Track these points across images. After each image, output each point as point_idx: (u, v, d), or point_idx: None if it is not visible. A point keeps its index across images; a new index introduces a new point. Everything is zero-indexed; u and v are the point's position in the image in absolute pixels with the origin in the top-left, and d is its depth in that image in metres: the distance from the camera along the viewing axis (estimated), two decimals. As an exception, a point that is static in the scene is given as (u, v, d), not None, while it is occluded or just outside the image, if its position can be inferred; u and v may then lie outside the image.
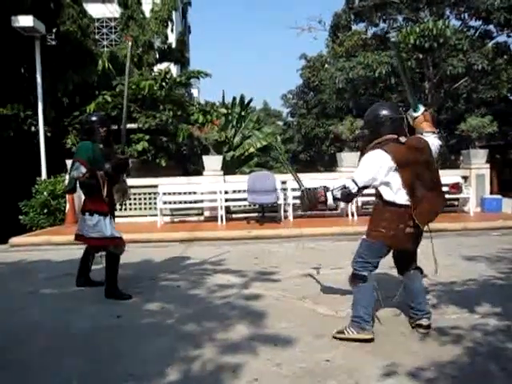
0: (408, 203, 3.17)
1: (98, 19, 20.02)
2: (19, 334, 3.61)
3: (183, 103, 12.82)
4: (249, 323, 3.67)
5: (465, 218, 9.37)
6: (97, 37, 18.90)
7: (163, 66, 15.22)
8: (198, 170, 11.35)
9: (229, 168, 11.17)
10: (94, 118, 4.64)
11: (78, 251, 5.78)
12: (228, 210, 9.86)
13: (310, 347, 3.19)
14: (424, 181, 3.21)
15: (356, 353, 3.07)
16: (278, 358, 3.04)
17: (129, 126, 10.97)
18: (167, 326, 3.72)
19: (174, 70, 18.84)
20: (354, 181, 3.19)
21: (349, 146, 11.17)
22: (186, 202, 9.99)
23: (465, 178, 10.21)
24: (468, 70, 15.12)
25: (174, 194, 9.81)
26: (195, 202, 10.05)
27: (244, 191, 9.40)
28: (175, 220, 9.91)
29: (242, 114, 16.62)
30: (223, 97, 17.21)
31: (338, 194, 3.25)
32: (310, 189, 3.45)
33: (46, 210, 9.64)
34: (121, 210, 10.05)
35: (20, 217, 9.62)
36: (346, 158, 10.57)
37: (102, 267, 4.58)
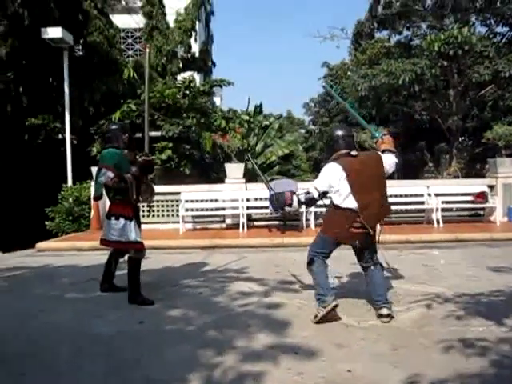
0: (354, 207, 3.72)
1: (124, 29, 20.44)
2: (43, 338, 3.68)
3: (206, 111, 12.95)
4: (270, 332, 3.66)
5: (491, 227, 9.17)
6: (122, 47, 19.29)
7: (186, 74, 15.42)
8: (221, 178, 11.42)
9: (251, 176, 11.21)
10: (115, 126, 4.85)
11: (101, 257, 5.89)
12: (249, 218, 9.89)
13: (331, 357, 3.17)
14: (369, 189, 3.74)
15: (378, 364, 3.03)
16: (299, 367, 3.02)
17: (153, 133, 11.16)
18: (189, 332, 3.74)
19: (198, 78, 19.07)
20: (315, 187, 3.81)
21: (371, 155, 11.09)
22: (207, 210, 10.05)
23: (491, 187, 10.00)
24: (494, 77, 14.86)
25: (197, 201, 9.89)
26: (217, 209, 10.10)
27: (266, 199, 9.39)
28: (197, 227, 9.98)
29: (265, 122, 16.69)
30: (248, 104, 17.29)
31: (303, 198, 3.87)
32: (279, 193, 4.00)
33: (70, 217, 9.85)
34: (143, 216, 10.20)
35: (46, 222, 9.85)
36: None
37: (126, 273, 4.65)
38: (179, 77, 15.63)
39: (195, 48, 18.06)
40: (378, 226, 4.01)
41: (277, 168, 17.59)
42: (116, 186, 4.39)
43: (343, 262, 5.29)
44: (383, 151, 3.96)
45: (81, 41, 12.43)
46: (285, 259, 6.80)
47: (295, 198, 3.87)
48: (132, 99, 11.92)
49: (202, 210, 10.00)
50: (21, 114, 10.84)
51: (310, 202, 3.90)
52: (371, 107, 18.29)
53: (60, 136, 11.78)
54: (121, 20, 18.13)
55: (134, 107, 11.69)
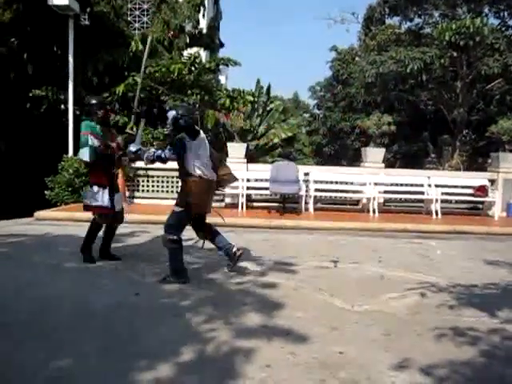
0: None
1: (131, 1, 20.11)
2: (42, 307, 3.72)
3: (211, 88, 12.80)
4: (264, 311, 3.69)
5: (489, 221, 9.19)
6: (129, 19, 19.00)
7: (193, 50, 15.21)
8: (221, 157, 11.36)
9: (252, 157, 11.17)
10: (93, 101, 5.09)
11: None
12: (249, 199, 9.89)
13: (323, 339, 3.20)
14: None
15: (370, 348, 3.07)
16: (291, 346, 3.06)
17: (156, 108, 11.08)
18: (183, 307, 3.78)
19: (204, 55, 18.84)
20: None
21: (375, 142, 11.04)
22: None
23: (492, 181, 9.99)
24: (504, 70, 14.72)
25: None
26: (217, 188, 10.08)
27: (266, 180, 9.40)
28: (196, 205, 9.97)
29: (268, 103, 16.55)
30: (256, 85, 17.07)
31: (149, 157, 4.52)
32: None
33: (70, 188, 9.83)
34: (143, 191, 10.21)
35: (46, 192, 9.84)
36: (371, 153, 10.44)
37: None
38: (185, 52, 15.42)
39: (203, 24, 17.77)
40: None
41: (278, 150, 17.52)
42: (103, 152, 4.83)
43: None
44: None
45: (87, 9, 12.20)
46: (283, 241, 6.83)
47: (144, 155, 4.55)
48: (137, 72, 11.77)
49: (202, 187, 9.97)
50: (24, 82, 10.73)
51: (152, 161, 4.61)
52: (377, 94, 18.16)
53: (63, 107, 11.68)
54: (128, -10, 17.82)
55: (138, 80, 11.55)
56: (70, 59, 10.70)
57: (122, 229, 6.24)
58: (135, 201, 9.94)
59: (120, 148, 5.05)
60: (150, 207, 9.17)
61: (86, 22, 12.63)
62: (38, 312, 3.59)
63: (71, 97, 10.86)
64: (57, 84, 11.43)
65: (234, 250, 4.65)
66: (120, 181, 9.46)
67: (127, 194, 9.79)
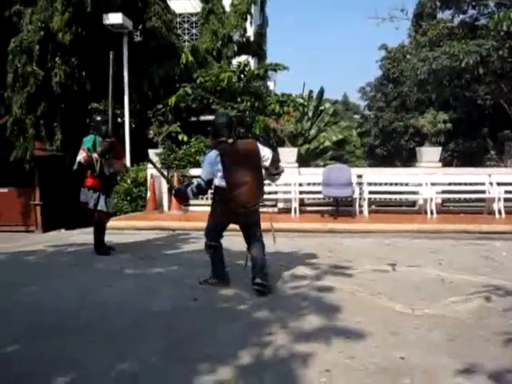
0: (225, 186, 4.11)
1: (180, 14, 20.71)
2: (107, 310, 3.90)
3: (261, 94, 12.93)
4: (322, 315, 3.66)
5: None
6: (178, 31, 19.57)
7: (241, 58, 15.42)
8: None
9: (303, 161, 11.13)
10: (98, 118, 6.07)
11: (157, 236, 6.08)
12: (301, 203, 9.86)
13: (384, 343, 3.13)
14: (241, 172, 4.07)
15: (433, 353, 2.97)
16: (350, 351, 3.01)
17: (208, 117, 11.31)
18: (241, 311, 3.83)
19: (252, 62, 19.05)
20: (201, 178, 4.27)
21: (430, 141, 10.68)
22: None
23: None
24: None
25: (249, 184, 9.95)
26: (269, 193, 10.13)
27: (318, 184, 9.34)
28: (249, 210, 10.06)
29: (319, 107, 16.46)
30: (303, 88, 17.10)
31: (195, 190, 4.31)
32: (177, 187, 4.82)
33: (128, 197, 10.24)
34: (199, 199, 10.42)
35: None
36: (427, 152, 10.11)
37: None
38: (234, 61, 15.67)
39: (250, 32, 17.99)
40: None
41: (330, 154, 17.35)
42: (86, 163, 5.65)
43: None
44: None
45: (140, 26, 12.71)
46: (337, 244, 6.75)
47: (189, 191, 4.33)
48: (188, 83, 12.10)
49: (255, 193, 10.04)
50: (84, 98, 11.30)
51: (201, 191, 4.48)
52: (431, 91, 17.57)
53: (119, 120, 12.19)
54: (177, 5, 18.36)
55: (189, 91, 11.86)
56: (125, 74, 11.17)
57: (178, 235, 6.41)
58: (191, 208, 10.16)
59: (100, 155, 5.76)
60: (204, 214, 9.35)
61: (139, 38, 13.14)
62: (102, 316, 3.76)
63: (127, 110, 11.32)
64: (113, 98, 11.94)
65: (258, 280, 4.22)
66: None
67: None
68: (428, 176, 9.43)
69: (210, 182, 4.26)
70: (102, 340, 3.29)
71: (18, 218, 10.97)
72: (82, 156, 5.68)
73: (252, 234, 4.44)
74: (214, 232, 4.43)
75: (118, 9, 10.79)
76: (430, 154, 10.02)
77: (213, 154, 4.19)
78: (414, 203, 9.98)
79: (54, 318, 3.70)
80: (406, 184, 9.81)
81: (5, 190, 11.14)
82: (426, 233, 7.70)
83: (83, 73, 10.97)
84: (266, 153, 4.29)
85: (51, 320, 3.67)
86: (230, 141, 4.19)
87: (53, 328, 3.50)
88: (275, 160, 4.38)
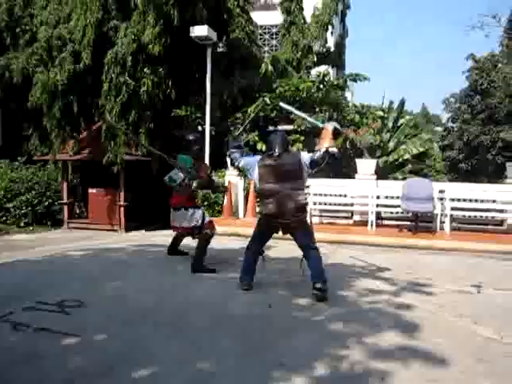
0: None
1: (261, 26, 21.16)
2: (186, 311, 4.04)
3: (340, 105, 12.81)
4: (400, 332, 3.54)
5: None
6: (259, 42, 19.99)
7: (321, 69, 15.40)
8: (347, 173, 11.22)
9: (381, 173, 10.82)
10: (190, 138, 5.95)
11: (232, 242, 6.20)
12: (378, 216, 9.59)
13: (468, 369, 2.95)
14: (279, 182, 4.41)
15: (524, 384, 2.75)
16: (431, 374, 2.88)
17: (286, 127, 11.41)
18: (316, 322, 3.79)
19: (331, 72, 18.95)
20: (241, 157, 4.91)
21: (522, 156, 9.96)
22: (335, 204, 9.97)
23: None
24: None
25: (325, 195, 9.88)
26: (345, 204, 9.98)
27: (397, 197, 9.04)
28: (324, 221, 9.98)
29: (400, 119, 15.98)
30: (383, 99, 16.71)
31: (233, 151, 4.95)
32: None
33: (206, 202, 10.55)
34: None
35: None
36: (518, 168, 9.44)
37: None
38: (313, 71, 15.68)
39: (330, 42, 17.93)
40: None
41: (409, 167, 16.70)
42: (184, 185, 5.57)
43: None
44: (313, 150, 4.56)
45: (223, 37, 13.14)
46: (416, 261, 6.49)
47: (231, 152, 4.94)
48: (267, 93, 12.29)
49: (330, 204, 9.96)
50: (168, 105, 11.86)
51: (233, 159, 4.97)
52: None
53: (200, 128, 12.64)
54: (258, 17, 18.78)
55: (268, 101, 12.03)
56: (208, 83, 11.57)
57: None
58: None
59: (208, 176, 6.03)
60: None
61: (222, 49, 13.58)
62: (181, 314, 3.92)
63: (208, 118, 11.70)
64: (195, 106, 12.43)
65: (317, 286, 4.32)
66: (251, 197, 9.92)
67: (257, 209, 10.16)
68: (519, 194, 8.79)
69: (239, 162, 4.84)
70: (182, 336, 3.42)
71: (105, 217, 11.67)
72: (178, 176, 5.59)
73: (299, 244, 4.64)
74: (257, 239, 4.84)
75: (203, 21, 11.24)
76: (521, 170, 9.35)
77: (258, 158, 4.67)
78: (501, 222, 9.33)
79: (138, 312, 3.92)
80: (493, 201, 9.21)
81: (94, 191, 11.95)
82: (515, 255, 7.17)
83: (169, 82, 11.52)
84: (303, 155, 4.62)
85: (135, 314, 3.88)
86: (276, 154, 4.49)
87: (137, 322, 3.70)
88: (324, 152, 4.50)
